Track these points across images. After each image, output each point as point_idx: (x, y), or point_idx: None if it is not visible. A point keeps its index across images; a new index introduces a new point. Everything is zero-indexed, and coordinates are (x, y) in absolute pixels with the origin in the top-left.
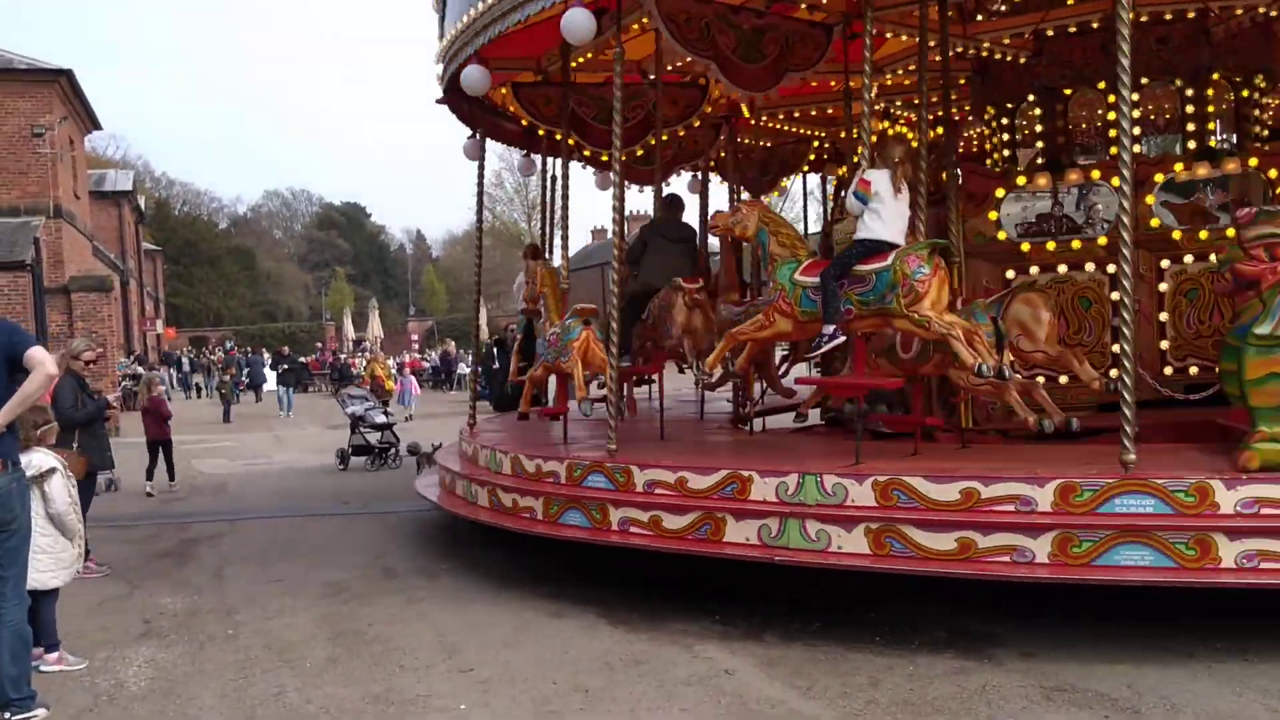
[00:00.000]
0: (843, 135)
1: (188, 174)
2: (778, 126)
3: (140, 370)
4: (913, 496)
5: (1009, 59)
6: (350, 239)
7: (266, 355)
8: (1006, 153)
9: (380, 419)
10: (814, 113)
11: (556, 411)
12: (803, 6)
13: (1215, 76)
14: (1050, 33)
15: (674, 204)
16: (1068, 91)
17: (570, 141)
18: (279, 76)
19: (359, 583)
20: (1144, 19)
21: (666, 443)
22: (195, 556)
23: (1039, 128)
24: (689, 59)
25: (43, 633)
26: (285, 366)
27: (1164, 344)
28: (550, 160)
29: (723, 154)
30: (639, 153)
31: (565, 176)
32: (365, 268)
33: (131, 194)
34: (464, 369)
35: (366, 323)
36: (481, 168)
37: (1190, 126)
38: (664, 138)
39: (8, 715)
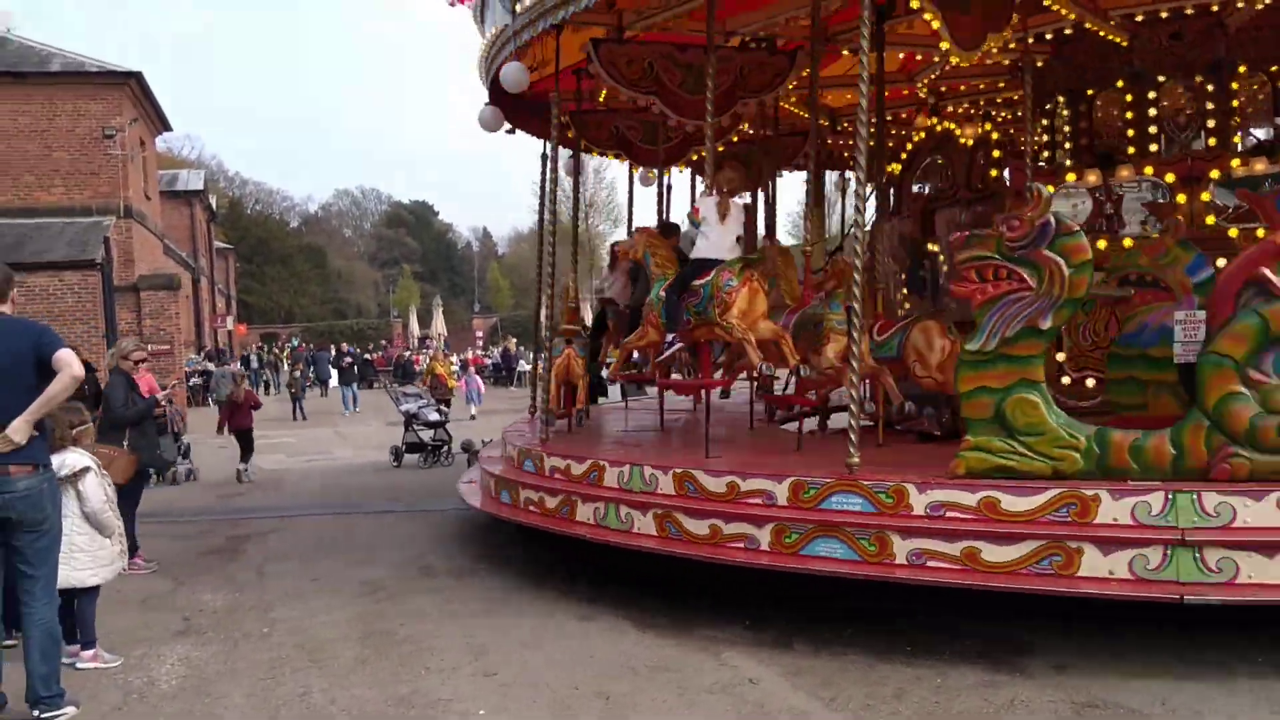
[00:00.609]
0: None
1: (260, 173)
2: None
3: (210, 367)
4: (697, 487)
5: (1037, 62)
6: (418, 237)
7: (334, 350)
8: (1046, 153)
9: (433, 416)
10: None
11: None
12: (752, 44)
13: (1241, 70)
14: (1069, 31)
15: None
16: (1090, 92)
17: (621, 159)
18: (351, 76)
19: (397, 582)
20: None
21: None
22: (242, 553)
23: (1066, 128)
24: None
25: (81, 630)
26: (346, 363)
27: None
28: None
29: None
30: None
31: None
32: (433, 265)
33: (203, 193)
34: (524, 366)
35: (432, 319)
36: (544, 170)
37: (1210, 123)
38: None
39: (37, 713)
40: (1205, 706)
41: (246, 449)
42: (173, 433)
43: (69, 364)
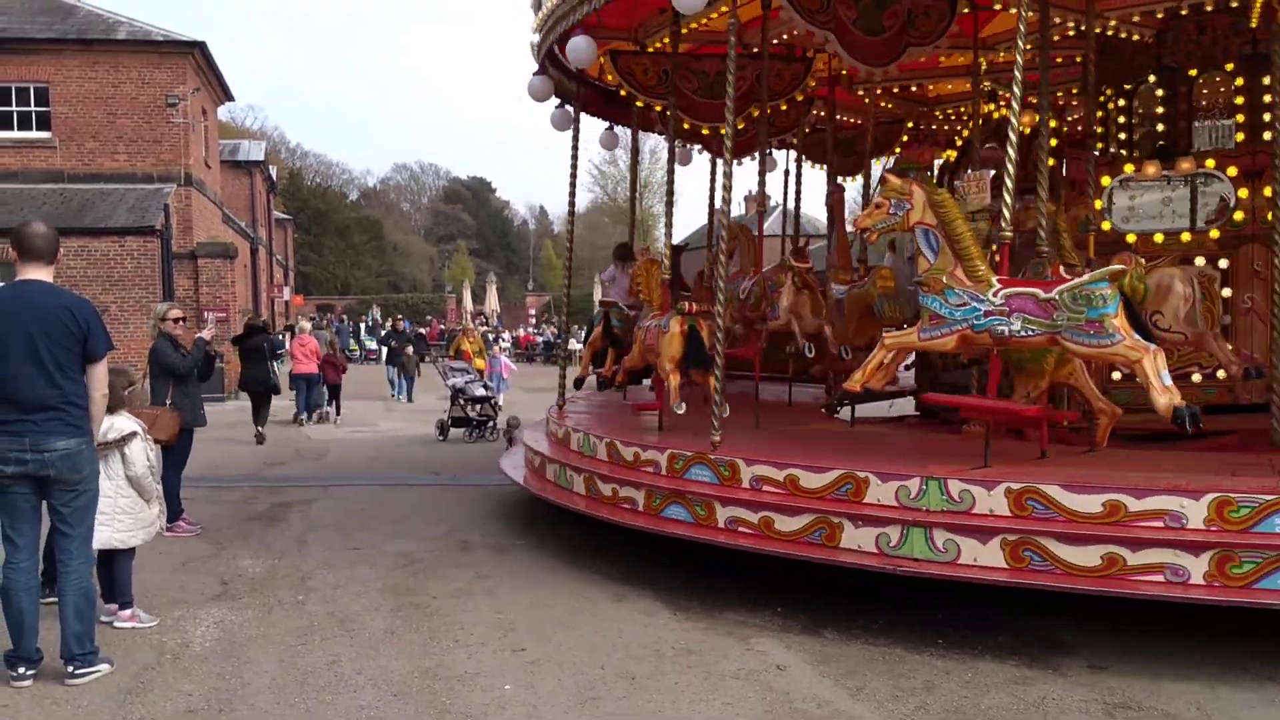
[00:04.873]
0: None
1: (321, 146)
2: (883, 104)
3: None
4: (618, 455)
5: (1134, 37)
6: (475, 213)
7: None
8: (1124, 136)
9: (479, 392)
10: (914, 88)
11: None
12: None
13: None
14: (1185, 10)
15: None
16: (1127, 86)
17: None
18: (409, 51)
19: (432, 554)
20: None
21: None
22: (284, 520)
23: (1121, 119)
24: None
25: (118, 590)
26: (394, 344)
27: None
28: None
29: (808, 131)
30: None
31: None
32: (489, 241)
33: (264, 164)
34: (575, 345)
35: (486, 296)
36: (576, 141)
37: (1240, 118)
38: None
39: (71, 669)
40: (1243, 715)
41: (335, 398)
42: (326, 384)
43: (99, 384)
